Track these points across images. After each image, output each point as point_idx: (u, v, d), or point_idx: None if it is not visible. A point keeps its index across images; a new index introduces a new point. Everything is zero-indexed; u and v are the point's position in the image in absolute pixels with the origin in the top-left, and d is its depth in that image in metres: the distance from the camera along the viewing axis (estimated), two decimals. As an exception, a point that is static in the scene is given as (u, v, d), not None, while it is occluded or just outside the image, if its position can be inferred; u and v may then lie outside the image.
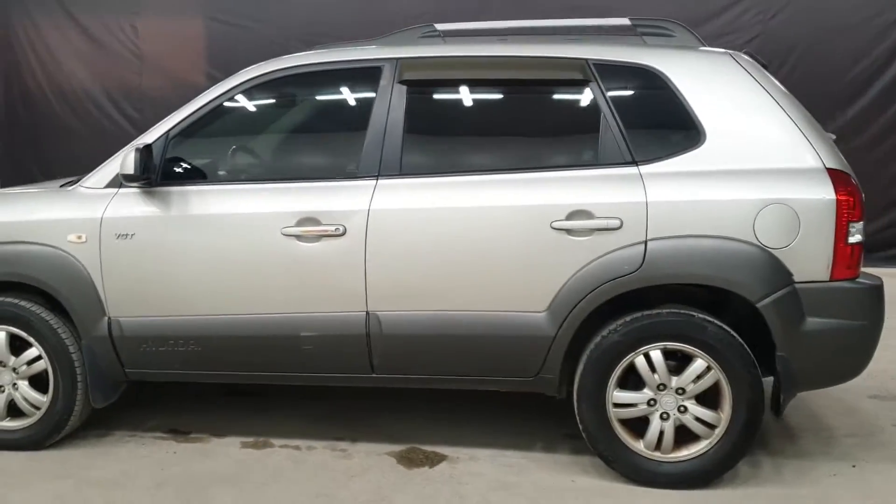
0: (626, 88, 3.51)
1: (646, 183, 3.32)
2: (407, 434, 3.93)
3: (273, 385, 4.26)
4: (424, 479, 3.51)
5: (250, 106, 3.84)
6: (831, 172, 3.26)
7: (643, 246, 3.30)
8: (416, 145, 3.57)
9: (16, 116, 9.61)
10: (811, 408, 4.28)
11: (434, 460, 3.69)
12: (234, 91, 3.71)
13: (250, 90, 3.73)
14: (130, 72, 9.34)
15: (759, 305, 3.26)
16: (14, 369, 3.77)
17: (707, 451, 3.38)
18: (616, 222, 3.30)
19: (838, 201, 3.23)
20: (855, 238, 3.26)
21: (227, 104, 3.73)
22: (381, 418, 4.16)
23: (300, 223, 3.48)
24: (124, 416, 4.19)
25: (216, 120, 3.75)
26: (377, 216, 3.44)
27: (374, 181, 3.49)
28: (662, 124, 3.46)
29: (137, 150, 3.45)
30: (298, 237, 3.48)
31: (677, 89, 3.40)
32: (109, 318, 3.67)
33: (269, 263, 3.52)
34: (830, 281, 3.24)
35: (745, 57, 3.53)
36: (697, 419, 3.36)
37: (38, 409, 3.78)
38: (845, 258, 3.24)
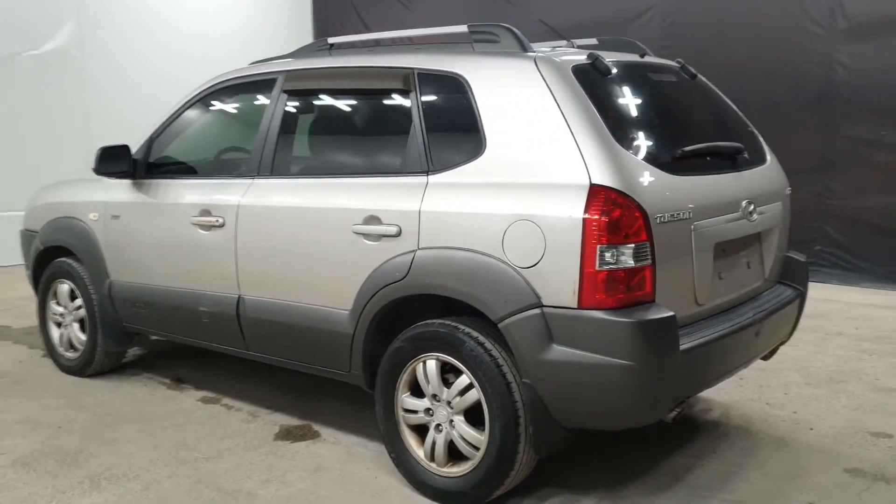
0: (436, 97, 3.49)
1: (426, 192, 3.32)
2: (316, 414, 4.31)
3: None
4: (274, 446, 3.93)
5: (198, 114, 4.56)
6: (593, 189, 2.93)
7: (413, 255, 3.32)
8: (283, 149, 3.95)
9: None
10: (761, 473, 3.69)
11: (306, 436, 4.06)
12: (190, 102, 4.48)
13: (200, 101, 4.45)
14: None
15: (500, 325, 3.08)
16: (66, 314, 5.04)
17: (468, 473, 3.26)
18: (395, 229, 3.37)
19: (586, 221, 2.90)
20: (612, 264, 2.89)
21: (185, 113, 4.50)
22: (318, 400, 4.54)
23: (200, 214, 4.12)
24: (155, 363, 5.25)
25: (178, 125, 4.54)
26: (243, 212, 3.94)
27: (251, 180, 3.99)
28: (459, 133, 3.37)
29: (101, 149, 4.40)
30: (199, 226, 4.13)
31: (474, 97, 3.31)
32: (110, 280, 4.70)
33: (181, 245, 4.24)
34: (579, 309, 2.93)
35: (557, 61, 3.24)
36: (463, 437, 3.28)
37: (77, 348, 4.98)
38: (594, 285, 2.90)
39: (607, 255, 2.87)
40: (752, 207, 3.45)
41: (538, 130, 3.12)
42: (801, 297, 3.90)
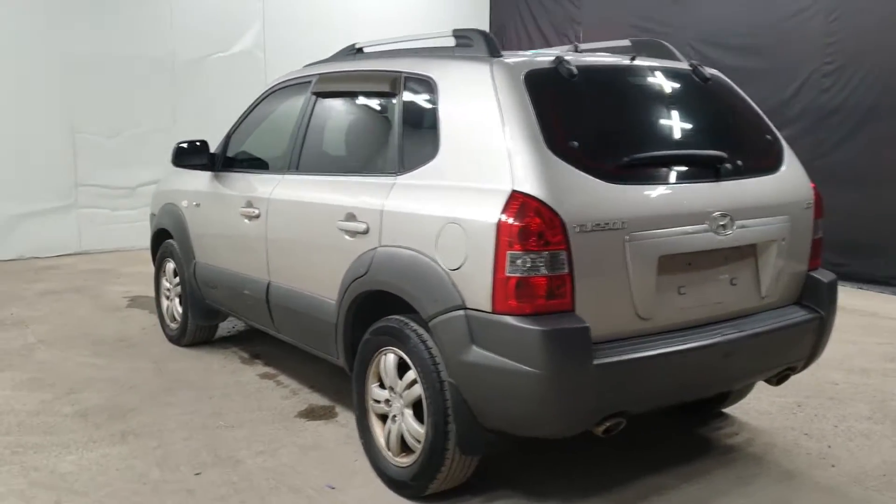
0: (413, 99, 3.59)
1: (391, 192, 3.48)
2: (347, 398, 4.53)
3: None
4: (289, 422, 4.26)
5: (260, 112, 4.95)
6: (511, 195, 2.94)
7: (374, 252, 3.49)
8: (305, 147, 4.24)
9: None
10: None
11: (323, 417, 4.35)
12: (257, 101, 4.91)
13: (263, 100, 4.87)
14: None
15: (430, 324, 3.17)
16: (171, 289, 5.72)
17: (411, 465, 3.38)
18: (364, 226, 3.56)
19: (499, 227, 2.92)
20: (524, 270, 2.89)
21: (253, 111, 4.94)
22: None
23: (245, 205, 4.54)
24: (244, 339, 5.80)
25: (247, 123, 4.99)
26: (272, 204, 4.31)
27: (282, 175, 4.34)
28: (425, 135, 3.46)
29: (178, 144, 4.94)
30: (244, 216, 4.55)
31: (438, 100, 3.41)
32: (194, 261, 5.28)
33: (234, 233, 4.68)
34: (493, 313, 2.96)
35: (510, 66, 3.23)
36: (409, 430, 3.40)
37: (177, 320, 5.64)
38: (506, 291, 2.91)
39: (518, 261, 2.87)
40: (725, 220, 3.24)
41: (481, 135, 3.16)
42: (820, 321, 3.57)
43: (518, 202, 2.90)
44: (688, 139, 3.55)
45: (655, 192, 3.17)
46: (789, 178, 3.61)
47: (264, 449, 3.93)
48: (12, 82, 8.90)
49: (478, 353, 2.98)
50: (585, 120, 3.26)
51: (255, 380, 4.98)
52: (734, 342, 3.25)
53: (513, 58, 3.34)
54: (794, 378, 3.76)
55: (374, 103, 4.04)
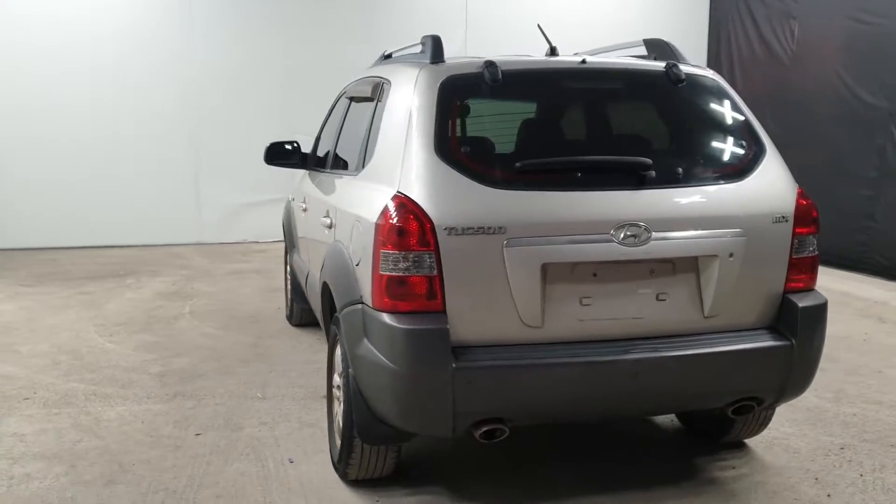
0: (381, 102, 3.71)
1: (342, 189, 3.70)
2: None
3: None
4: (311, 401, 4.62)
5: (335, 113, 5.29)
6: (393, 197, 3.04)
7: (331, 245, 3.73)
8: (337, 147, 4.55)
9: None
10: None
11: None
12: (333, 104, 5.31)
13: (338, 103, 5.23)
14: (783, 72, 9.74)
15: (339, 315, 3.35)
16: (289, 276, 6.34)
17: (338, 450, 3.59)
18: (329, 221, 3.82)
19: (376, 226, 3.04)
20: (395, 270, 2.97)
21: (332, 114, 5.33)
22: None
23: (301, 199, 4.98)
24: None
25: (327, 125, 5.39)
26: (307, 196, 4.69)
27: (319, 173, 4.71)
28: (375, 135, 3.57)
29: (270, 144, 5.47)
30: (303, 210, 4.99)
31: (385, 104, 3.56)
32: (294, 252, 5.82)
33: (306, 228, 5.10)
34: (374, 309, 3.08)
35: (433, 71, 3.26)
36: (340, 416, 3.59)
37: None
38: (381, 288, 3.01)
39: (390, 260, 2.97)
40: (637, 231, 3.03)
41: (395, 137, 3.28)
42: (788, 349, 3.20)
43: (395, 204, 3.00)
44: (610, 145, 3.36)
45: (543, 198, 3.04)
46: (754, 189, 3.25)
47: (269, 421, 4.32)
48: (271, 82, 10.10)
49: (365, 346, 3.11)
50: (489, 125, 3.24)
51: (322, 361, 5.38)
52: (644, 362, 3.04)
53: (449, 64, 3.38)
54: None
55: (365, 107, 4.24)
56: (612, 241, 3.02)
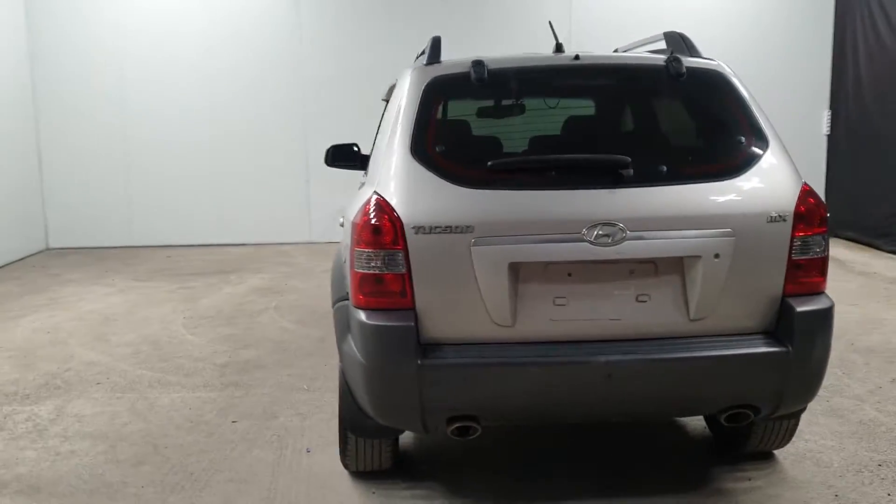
0: (387, 104, 3.81)
1: (355, 190, 3.82)
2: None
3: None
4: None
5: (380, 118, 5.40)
6: (371, 196, 3.13)
7: (339, 245, 3.86)
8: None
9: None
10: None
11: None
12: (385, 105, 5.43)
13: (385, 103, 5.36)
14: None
15: (332, 310, 3.47)
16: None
17: (342, 441, 3.71)
18: (341, 220, 3.95)
19: (354, 224, 3.13)
20: (367, 267, 3.03)
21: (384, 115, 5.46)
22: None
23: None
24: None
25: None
26: None
27: None
28: (379, 138, 3.69)
29: (332, 146, 5.67)
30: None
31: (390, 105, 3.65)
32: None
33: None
34: (353, 305, 3.17)
35: (422, 72, 3.30)
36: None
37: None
38: (357, 285, 3.07)
39: (363, 258, 3.06)
40: (611, 230, 2.96)
41: (385, 138, 3.36)
42: (784, 356, 3.03)
43: (370, 203, 3.08)
44: (596, 143, 3.26)
45: (513, 197, 3.02)
46: (747, 187, 3.09)
47: (305, 411, 4.51)
48: (374, 90, 10.49)
49: (348, 342, 3.22)
50: (470, 126, 3.24)
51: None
52: (617, 364, 2.97)
53: (442, 64, 3.42)
54: None
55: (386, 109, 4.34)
56: (584, 240, 2.96)
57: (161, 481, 3.68)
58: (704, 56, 3.50)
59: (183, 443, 4.11)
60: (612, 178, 3.04)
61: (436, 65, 3.40)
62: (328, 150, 5.45)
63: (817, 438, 3.99)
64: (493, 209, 3.00)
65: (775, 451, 3.82)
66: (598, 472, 3.71)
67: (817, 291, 3.14)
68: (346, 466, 3.67)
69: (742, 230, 3.02)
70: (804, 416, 4.10)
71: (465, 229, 2.97)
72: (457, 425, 3.05)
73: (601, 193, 3.02)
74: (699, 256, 3.01)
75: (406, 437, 3.92)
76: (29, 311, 7.05)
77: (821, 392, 4.52)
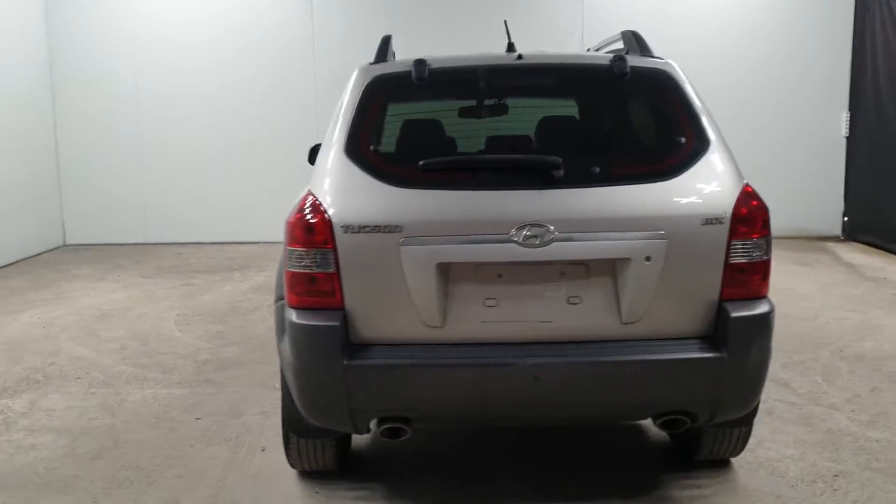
0: None
1: None
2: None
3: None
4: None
5: None
6: (304, 196, 3.14)
7: None
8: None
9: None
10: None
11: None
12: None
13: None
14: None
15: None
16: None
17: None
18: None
19: (286, 224, 3.13)
20: (298, 266, 3.04)
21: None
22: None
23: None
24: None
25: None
26: None
27: None
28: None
29: (314, 146, 5.69)
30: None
31: None
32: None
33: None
34: (287, 304, 3.17)
35: (365, 70, 3.30)
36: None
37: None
38: (289, 284, 3.08)
39: (294, 257, 3.06)
40: (538, 231, 2.92)
41: (326, 137, 3.36)
42: (718, 363, 2.96)
43: (302, 202, 3.08)
44: (531, 143, 3.22)
45: (442, 198, 3.00)
46: (682, 188, 3.01)
47: (270, 410, 4.50)
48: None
49: (284, 341, 3.22)
50: (402, 125, 3.22)
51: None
52: (544, 367, 2.94)
53: (386, 64, 3.41)
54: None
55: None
56: (512, 241, 2.93)
57: (112, 476, 3.72)
58: (656, 56, 3.44)
59: (143, 438, 4.15)
60: (542, 179, 3.00)
61: (381, 64, 3.39)
62: (311, 149, 5.47)
63: (779, 447, 3.90)
64: (421, 209, 2.99)
65: (733, 460, 3.73)
66: (550, 475, 3.66)
67: (758, 296, 3.06)
68: (292, 466, 3.67)
69: (675, 233, 2.96)
70: (770, 424, 4.05)
71: (393, 229, 2.95)
72: (387, 426, 3.04)
73: (531, 194, 2.99)
74: (629, 259, 2.95)
75: (359, 439, 3.92)
76: (31, 305, 7.20)
77: (794, 400, 4.49)
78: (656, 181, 3.03)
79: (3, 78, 9.41)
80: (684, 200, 3.01)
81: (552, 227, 2.92)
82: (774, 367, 4.92)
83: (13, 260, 9.40)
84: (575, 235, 2.93)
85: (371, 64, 3.41)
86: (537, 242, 2.92)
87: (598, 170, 3.05)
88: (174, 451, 3.98)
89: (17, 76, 9.74)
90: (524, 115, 3.54)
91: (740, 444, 3.59)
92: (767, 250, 3.07)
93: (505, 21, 3.80)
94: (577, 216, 2.95)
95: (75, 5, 10.37)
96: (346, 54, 10.42)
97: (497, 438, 4.08)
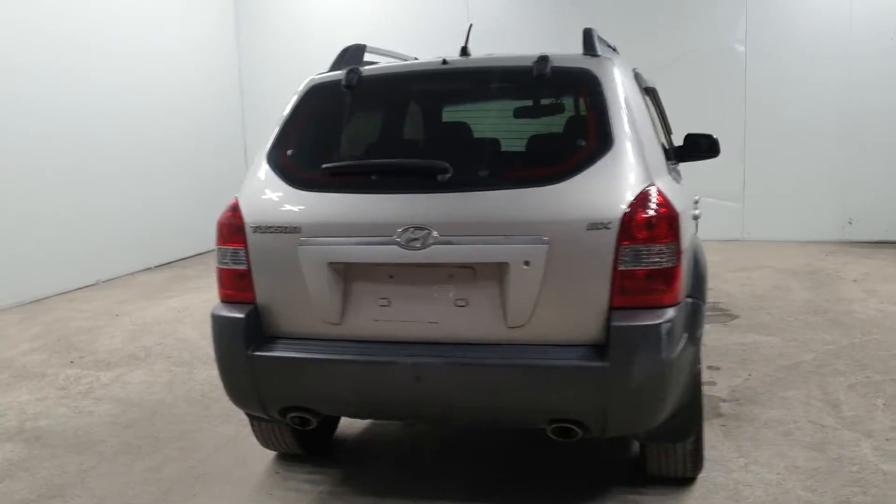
0: None
1: None
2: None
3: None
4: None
5: None
6: (233, 199, 3.43)
7: None
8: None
9: None
10: None
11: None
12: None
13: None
14: None
15: None
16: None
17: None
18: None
19: (217, 222, 3.42)
20: (222, 263, 3.32)
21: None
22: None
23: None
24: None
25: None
26: None
27: None
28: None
29: None
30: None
31: None
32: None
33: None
34: (222, 299, 3.48)
35: (314, 77, 3.51)
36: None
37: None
38: (218, 279, 3.40)
39: (219, 254, 3.37)
40: (420, 234, 2.97)
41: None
42: (601, 373, 2.86)
43: (230, 204, 3.38)
44: (422, 147, 3.24)
45: (335, 200, 3.12)
46: (568, 192, 2.90)
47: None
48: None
49: None
50: (320, 129, 3.38)
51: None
52: (424, 367, 3.00)
53: (332, 72, 3.60)
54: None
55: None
56: (395, 243, 3.01)
57: (129, 443, 4.23)
58: (602, 54, 3.32)
59: (177, 413, 4.65)
60: (429, 182, 3.05)
61: (326, 73, 3.59)
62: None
63: (764, 471, 3.59)
64: (317, 211, 3.16)
65: (698, 479, 3.51)
66: (493, 476, 3.66)
67: (655, 305, 2.90)
68: (264, 447, 3.96)
69: (557, 238, 2.89)
70: (778, 446, 3.86)
71: (293, 230, 3.15)
72: (292, 415, 3.24)
73: (417, 198, 3.05)
74: (508, 263, 2.92)
75: (348, 426, 4.14)
76: (186, 291, 8.12)
77: (830, 423, 4.15)
78: (542, 185, 2.96)
79: (205, 89, 10.87)
80: (568, 205, 2.91)
81: (434, 231, 2.97)
82: (838, 388, 4.52)
83: (205, 250, 10.55)
84: (455, 239, 2.96)
85: (326, 71, 3.60)
86: (419, 245, 2.98)
87: (486, 174, 3.04)
88: (193, 426, 4.43)
89: (217, 87, 11.15)
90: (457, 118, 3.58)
91: (691, 465, 3.38)
92: (669, 257, 2.89)
93: (470, 25, 3.81)
94: (459, 220, 2.97)
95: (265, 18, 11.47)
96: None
97: (471, 435, 4.12)
